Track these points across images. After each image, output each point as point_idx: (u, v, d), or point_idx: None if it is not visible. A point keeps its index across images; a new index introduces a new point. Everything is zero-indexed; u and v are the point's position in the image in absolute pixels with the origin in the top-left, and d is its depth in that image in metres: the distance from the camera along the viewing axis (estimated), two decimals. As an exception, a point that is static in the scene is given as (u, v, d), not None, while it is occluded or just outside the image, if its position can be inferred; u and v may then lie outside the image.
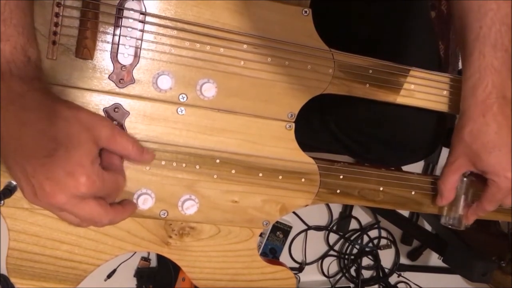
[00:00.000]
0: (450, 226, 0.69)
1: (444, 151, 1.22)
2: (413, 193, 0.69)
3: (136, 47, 0.55)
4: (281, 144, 0.62)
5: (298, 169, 0.63)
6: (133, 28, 0.55)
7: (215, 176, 0.61)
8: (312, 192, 0.65)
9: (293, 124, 0.62)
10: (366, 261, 1.51)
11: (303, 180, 0.64)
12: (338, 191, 0.66)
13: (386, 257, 1.51)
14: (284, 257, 1.41)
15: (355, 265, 1.48)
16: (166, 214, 0.60)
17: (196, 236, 0.62)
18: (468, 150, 0.62)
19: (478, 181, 0.66)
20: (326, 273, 1.47)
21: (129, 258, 1.26)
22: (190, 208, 0.60)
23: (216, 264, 0.63)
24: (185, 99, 0.58)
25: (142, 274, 1.28)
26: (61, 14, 0.52)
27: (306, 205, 0.65)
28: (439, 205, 0.68)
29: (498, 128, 0.59)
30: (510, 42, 0.59)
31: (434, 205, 0.70)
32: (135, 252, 1.25)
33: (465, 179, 0.67)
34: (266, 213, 0.63)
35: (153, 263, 1.30)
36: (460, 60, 0.64)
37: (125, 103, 0.56)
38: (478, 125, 0.60)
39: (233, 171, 0.61)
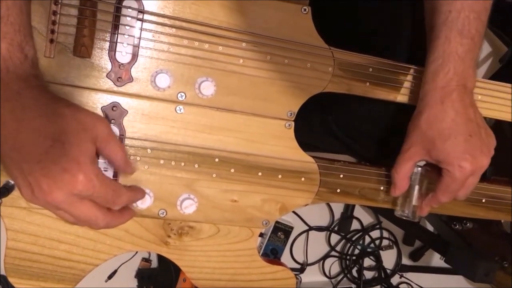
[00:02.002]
0: (404, 218, 0.67)
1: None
2: (414, 192, 0.68)
3: (134, 46, 0.55)
4: (281, 143, 0.62)
5: (298, 168, 0.63)
6: (131, 26, 0.55)
7: (214, 175, 0.60)
8: (312, 191, 0.64)
9: (293, 123, 0.62)
10: (368, 261, 1.49)
11: (303, 179, 0.63)
12: (338, 190, 0.65)
13: (388, 258, 1.50)
14: (285, 257, 1.40)
15: (357, 266, 1.47)
16: (165, 213, 0.60)
17: (195, 235, 0.62)
18: (423, 137, 0.60)
19: (433, 172, 0.64)
20: (327, 274, 1.46)
21: (130, 259, 1.25)
22: (189, 207, 0.60)
23: (216, 264, 0.63)
24: (183, 97, 0.58)
25: (143, 275, 1.28)
26: (59, 12, 0.52)
27: (306, 205, 0.65)
28: (393, 195, 0.66)
29: (455, 116, 0.58)
30: (477, 31, 0.58)
31: (388, 196, 0.68)
32: (136, 253, 1.25)
33: (419, 168, 0.65)
34: (266, 212, 0.63)
35: (154, 264, 1.30)
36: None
37: (123, 101, 0.56)
38: (435, 111, 0.59)
39: (232, 170, 0.61)
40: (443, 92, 0.58)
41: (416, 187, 0.65)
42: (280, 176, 0.62)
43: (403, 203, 0.67)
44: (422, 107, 0.60)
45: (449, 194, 0.62)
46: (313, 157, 0.64)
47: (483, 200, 0.72)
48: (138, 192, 0.57)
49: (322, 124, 0.78)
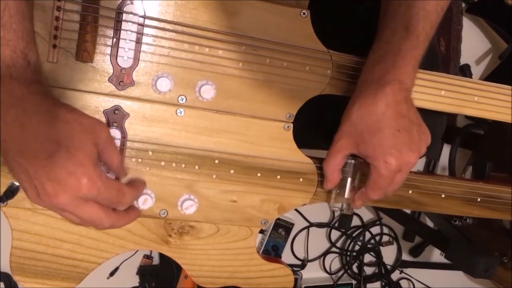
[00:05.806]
0: (338, 211, 0.66)
1: (446, 148, 1.23)
2: (410, 192, 0.69)
3: (136, 50, 0.56)
4: (279, 144, 0.63)
5: (296, 169, 0.64)
6: (132, 32, 0.55)
7: (214, 176, 0.62)
8: (310, 191, 0.65)
9: (291, 125, 0.63)
10: (368, 257, 1.51)
11: (301, 179, 0.64)
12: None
13: (388, 254, 1.52)
14: (286, 254, 1.42)
15: (357, 261, 1.49)
16: (166, 213, 0.61)
17: (196, 234, 0.63)
18: (353, 129, 0.58)
19: (366, 164, 0.61)
20: (328, 270, 1.47)
21: (131, 256, 1.27)
22: (189, 207, 0.61)
23: (215, 262, 0.64)
24: (184, 100, 0.59)
25: (145, 272, 1.29)
26: (61, 18, 0.53)
27: (304, 204, 0.66)
28: (326, 188, 0.65)
29: (385, 109, 0.56)
30: (423, 30, 0.57)
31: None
32: (138, 250, 1.26)
33: (352, 161, 0.63)
34: (265, 212, 0.64)
35: (156, 261, 1.31)
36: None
37: (125, 105, 0.57)
38: (367, 103, 0.57)
39: (232, 171, 0.62)
40: (377, 84, 0.56)
41: (349, 180, 0.64)
42: (278, 177, 0.64)
43: (336, 196, 0.65)
44: (355, 98, 0.58)
45: (378, 190, 0.60)
46: (311, 157, 0.65)
47: (478, 199, 0.73)
48: (139, 187, 0.58)
49: (320, 124, 0.79)
